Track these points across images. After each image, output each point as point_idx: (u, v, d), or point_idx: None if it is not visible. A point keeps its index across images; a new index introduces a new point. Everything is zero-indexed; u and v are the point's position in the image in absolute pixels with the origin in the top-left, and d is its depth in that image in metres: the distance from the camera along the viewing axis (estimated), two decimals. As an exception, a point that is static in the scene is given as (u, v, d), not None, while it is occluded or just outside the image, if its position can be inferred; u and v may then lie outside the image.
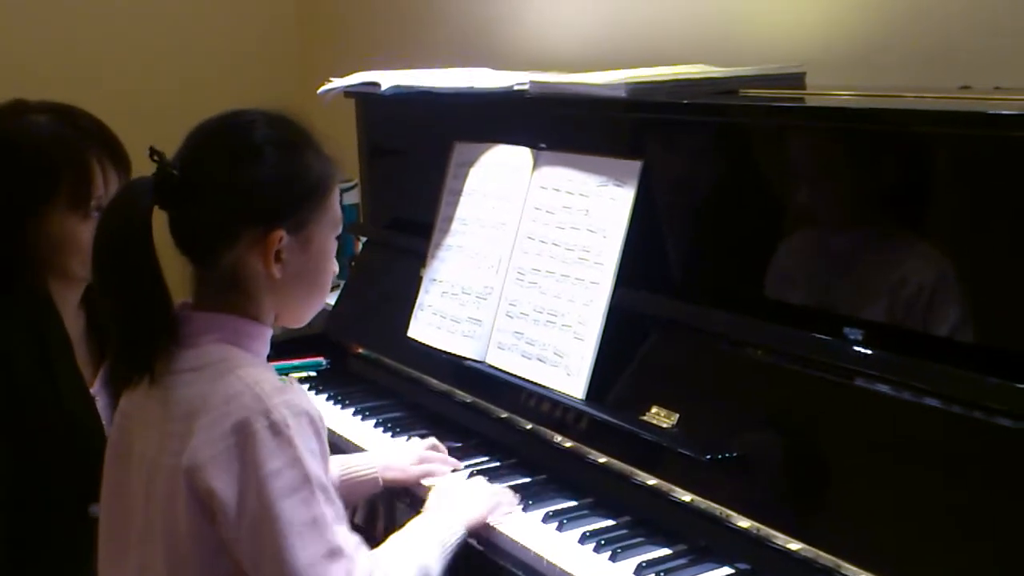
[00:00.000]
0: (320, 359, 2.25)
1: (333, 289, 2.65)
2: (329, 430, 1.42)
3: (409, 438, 1.88)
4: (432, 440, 1.78)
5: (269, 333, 1.37)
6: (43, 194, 1.63)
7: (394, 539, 1.41)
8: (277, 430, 1.22)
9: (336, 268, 1.40)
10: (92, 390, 1.71)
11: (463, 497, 1.55)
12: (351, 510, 1.66)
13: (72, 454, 1.62)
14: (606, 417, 1.60)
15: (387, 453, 1.74)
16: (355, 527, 1.50)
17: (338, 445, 1.86)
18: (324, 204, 1.35)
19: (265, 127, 1.33)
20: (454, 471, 1.71)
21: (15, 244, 1.64)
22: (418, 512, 1.52)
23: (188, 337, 1.31)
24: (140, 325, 1.28)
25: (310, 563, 1.21)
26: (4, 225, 1.64)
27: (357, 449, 1.89)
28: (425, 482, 1.67)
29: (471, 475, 1.70)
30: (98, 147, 1.68)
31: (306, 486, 1.23)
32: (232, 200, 1.29)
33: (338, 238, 1.39)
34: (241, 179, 1.29)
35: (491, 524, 1.54)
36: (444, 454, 1.75)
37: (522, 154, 1.88)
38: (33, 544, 1.62)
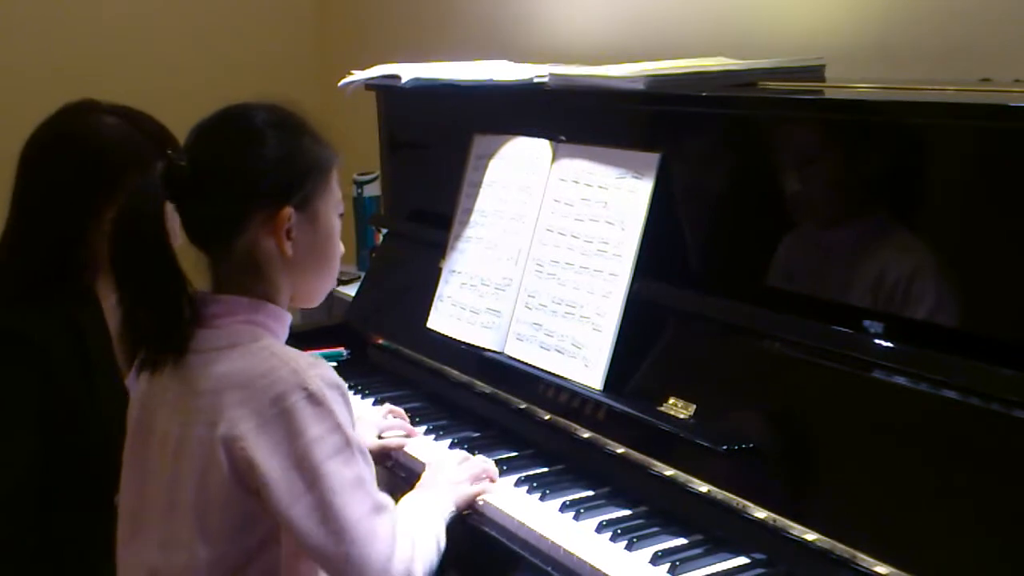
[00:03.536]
0: (340, 349, 2.27)
1: (353, 281, 2.68)
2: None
3: (428, 428, 1.89)
4: (388, 407, 1.91)
5: (288, 317, 1.41)
6: (105, 194, 1.64)
7: (403, 511, 1.44)
8: (316, 400, 1.28)
9: (343, 248, 1.45)
10: (126, 381, 1.73)
11: (453, 475, 1.60)
12: None
13: (103, 448, 1.64)
14: (624, 408, 1.61)
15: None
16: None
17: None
18: (326, 181, 1.40)
19: (263, 113, 1.38)
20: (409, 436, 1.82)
21: (77, 243, 1.66)
22: (411, 486, 1.58)
23: (208, 319, 1.34)
24: (161, 311, 1.32)
25: (361, 517, 1.29)
26: (68, 223, 1.65)
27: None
28: (416, 455, 1.76)
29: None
30: (161, 152, 1.70)
31: (348, 448, 1.30)
32: (240, 182, 1.33)
33: (340, 216, 1.44)
34: (246, 161, 1.34)
35: (508, 513, 1.56)
36: (404, 421, 1.86)
37: (541, 146, 1.89)
38: (61, 534, 1.64)
